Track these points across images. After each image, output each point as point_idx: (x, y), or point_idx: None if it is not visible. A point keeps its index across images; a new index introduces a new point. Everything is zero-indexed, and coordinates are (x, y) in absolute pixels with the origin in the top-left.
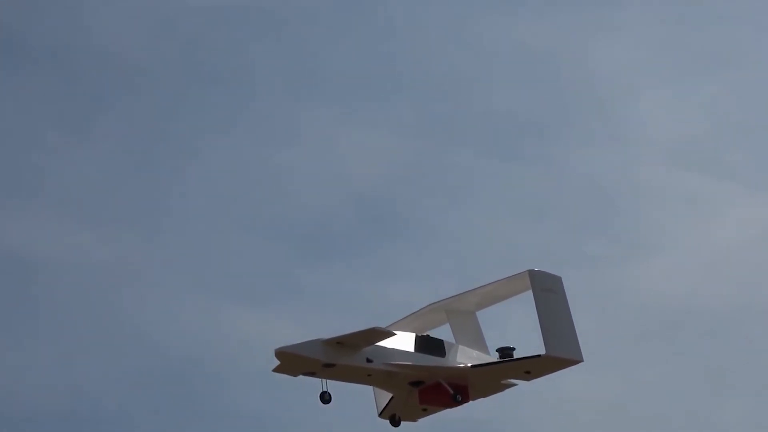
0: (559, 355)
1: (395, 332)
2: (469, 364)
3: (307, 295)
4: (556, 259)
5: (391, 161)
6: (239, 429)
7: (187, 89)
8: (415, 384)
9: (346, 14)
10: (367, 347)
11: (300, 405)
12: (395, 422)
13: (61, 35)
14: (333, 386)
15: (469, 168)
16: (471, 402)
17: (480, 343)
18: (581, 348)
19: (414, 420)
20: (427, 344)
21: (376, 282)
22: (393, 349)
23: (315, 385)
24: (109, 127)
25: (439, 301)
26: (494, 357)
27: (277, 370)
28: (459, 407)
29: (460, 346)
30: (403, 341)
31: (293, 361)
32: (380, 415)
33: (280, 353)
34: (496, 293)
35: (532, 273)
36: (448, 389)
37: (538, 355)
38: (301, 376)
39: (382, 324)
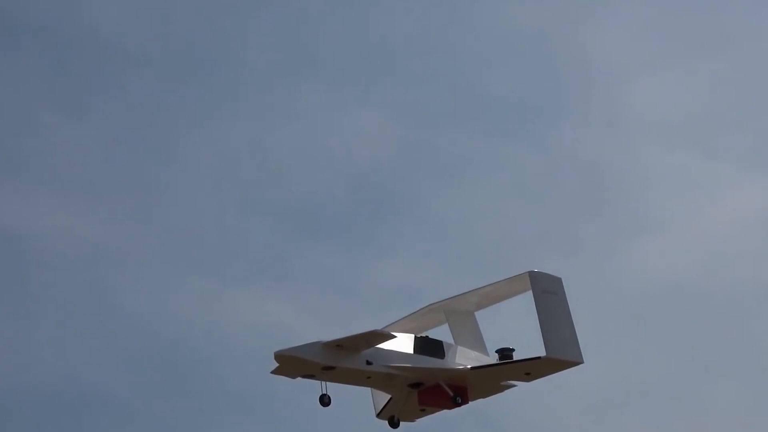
0: (559, 356)
1: (395, 334)
2: (469, 366)
3: (302, 276)
4: (550, 240)
5: (387, 142)
6: (233, 409)
7: (181, 70)
8: (414, 386)
9: None
10: (367, 350)
11: (295, 385)
12: (394, 424)
13: (54, 16)
14: (331, 384)
15: (464, 150)
16: (470, 403)
17: (479, 344)
18: (581, 349)
19: (412, 420)
20: (426, 346)
21: (371, 263)
22: (392, 351)
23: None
24: (103, 107)
25: (438, 302)
26: (493, 358)
27: (276, 372)
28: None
29: (459, 347)
30: (402, 343)
31: (293, 363)
32: (378, 415)
33: (279, 356)
34: (495, 294)
35: (532, 274)
36: (447, 391)
37: (538, 357)
38: (299, 378)
39: (381, 322)
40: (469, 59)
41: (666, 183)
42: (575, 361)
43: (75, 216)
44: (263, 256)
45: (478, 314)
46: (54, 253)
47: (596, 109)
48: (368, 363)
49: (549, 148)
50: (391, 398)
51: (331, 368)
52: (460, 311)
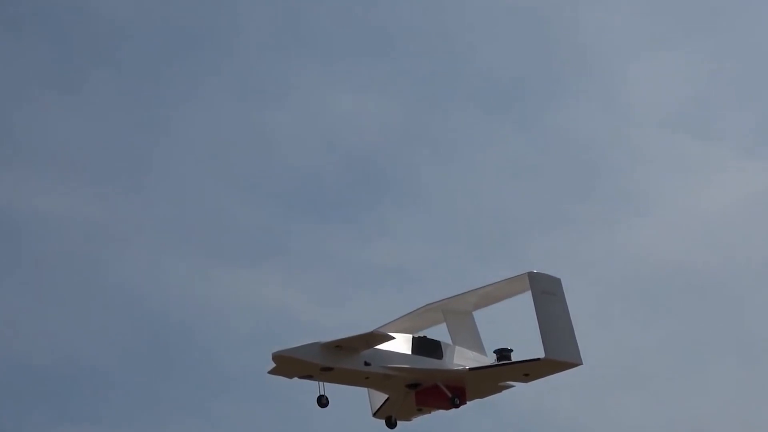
0: (558, 358)
1: (393, 336)
2: (467, 367)
3: (295, 255)
4: (542, 220)
5: (380, 121)
6: (225, 388)
7: (175, 47)
8: (412, 386)
9: None
10: (365, 350)
11: None
12: (391, 424)
13: None
14: (328, 384)
15: (457, 129)
16: (468, 403)
17: (477, 344)
18: (580, 351)
19: (408, 419)
20: (424, 346)
21: (365, 241)
22: (390, 352)
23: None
24: (97, 85)
25: (435, 302)
26: (491, 358)
27: (273, 372)
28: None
29: (457, 347)
30: (400, 343)
31: (291, 364)
32: (375, 414)
33: (277, 357)
34: (494, 294)
35: (531, 275)
36: (446, 392)
37: (537, 359)
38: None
39: (379, 320)
40: (464, 38)
41: (659, 164)
42: (574, 363)
43: (67, 193)
44: (256, 235)
45: (476, 313)
46: (46, 231)
47: (590, 90)
48: (366, 364)
49: (542, 127)
50: (388, 398)
51: (330, 369)
52: (458, 311)
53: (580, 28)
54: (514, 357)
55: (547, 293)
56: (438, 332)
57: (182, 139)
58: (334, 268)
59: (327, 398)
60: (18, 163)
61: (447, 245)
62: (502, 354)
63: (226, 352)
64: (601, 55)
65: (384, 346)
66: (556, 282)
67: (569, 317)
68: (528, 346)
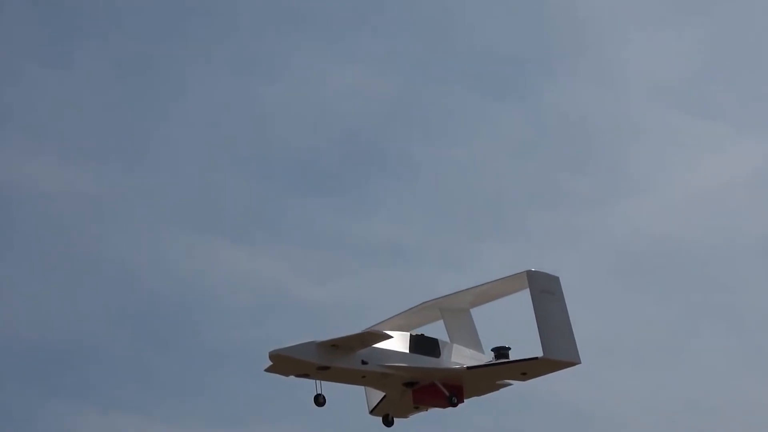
0: (556, 357)
1: (391, 334)
2: (465, 365)
3: (289, 231)
4: (536, 196)
5: (376, 98)
6: (219, 363)
7: (169, 22)
8: (409, 384)
9: None
10: (362, 349)
11: (284, 336)
12: (388, 422)
13: None
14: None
15: (453, 105)
16: (465, 401)
17: (474, 341)
18: (578, 350)
19: (405, 416)
20: (421, 344)
21: (358, 218)
22: (388, 351)
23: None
24: (91, 59)
25: (433, 299)
26: (489, 356)
27: (269, 370)
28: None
29: (455, 345)
30: (397, 342)
31: (287, 363)
32: (371, 412)
33: (274, 356)
34: (492, 292)
35: (530, 273)
36: (443, 391)
37: (535, 358)
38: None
39: (376, 318)
40: (459, 14)
41: (655, 141)
42: (572, 362)
43: (61, 168)
44: (249, 210)
45: (474, 310)
46: (40, 205)
47: (586, 67)
48: (363, 363)
49: (538, 104)
50: (384, 396)
51: (326, 368)
52: (456, 308)
53: (577, 6)
54: (512, 355)
55: (545, 292)
56: (435, 329)
57: (177, 115)
58: (327, 244)
59: (324, 397)
60: (12, 139)
61: (440, 222)
62: (500, 352)
63: (219, 327)
64: (598, 33)
65: (381, 345)
66: (554, 280)
67: (567, 316)
68: (526, 344)
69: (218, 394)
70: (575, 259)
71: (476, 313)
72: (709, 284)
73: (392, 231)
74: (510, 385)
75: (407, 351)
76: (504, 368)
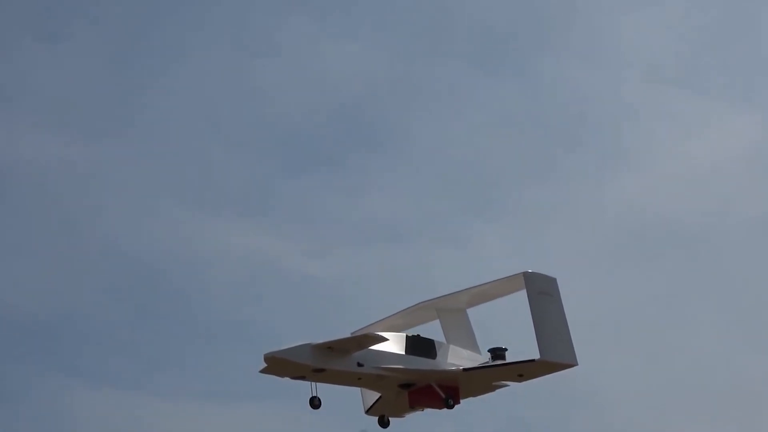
0: (553, 359)
1: (387, 337)
2: (461, 367)
3: (282, 206)
4: (531, 172)
5: (371, 74)
6: (212, 336)
7: None
8: (405, 385)
9: None
10: (358, 351)
11: (270, 314)
12: (384, 423)
13: None
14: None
15: (448, 81)
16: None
17: (471, 341)
18: (575, 352)
19: (401, 416)
20: (417, 345)
21: (356, 194)
22: (383, 352)
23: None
24: (86, 33)
25: (429, 300)
26: (485, 356)
27: (264, 371)
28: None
29: (451, 346)
30: (393, 343)
31: (282, 365)
32: (367, 412)
33: (269, 358)
34: (488, 293)
35: (527, 275)
36: (439, 393)
37: (532, 360)
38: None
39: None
40: None
41: (649, 117)
42: (569, 364)
43: (54, 142)
44: (244, 185)
45: (470, 309)
46: (32, 179)
47: (580, 43)
48: (359, 365)
49: (532, 80)
50: (380, 396)
51: (322, 370)
52: (452, 309)
53: None
54: (509, 355)
55: (542, 293)
56: (432, 329)
57: (171, 90)
58: (321, 219)
59: (319, 399)
60: (4, 111)
61: (435, 197)
62: (497, 353)
63: (211, 301)
64: (592, 9)
65: (377, 347)
66: (551, 281)
67: (565, 317)
68: (522, 344)
69: (209, 368)
70: (568, 235)
71: (473, 311)
72: (702, 260)
73: (387, 207)
74: (507, 386)
75: (403, 352)
76: (500, 370)
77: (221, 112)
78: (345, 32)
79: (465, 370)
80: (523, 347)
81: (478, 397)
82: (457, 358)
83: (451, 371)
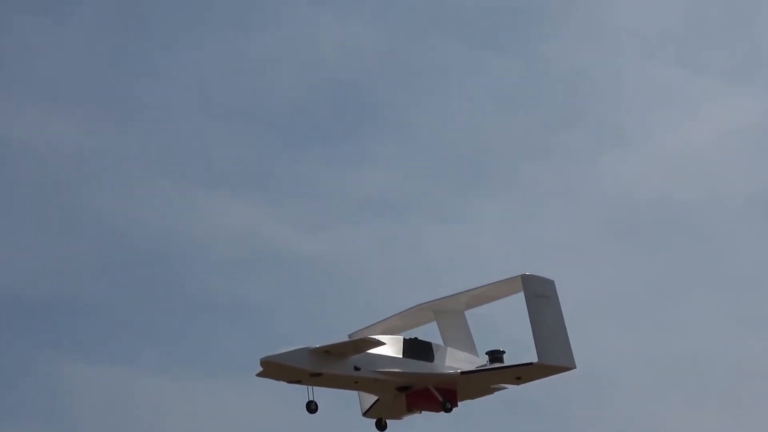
0: (551, 363)
1: (384, 341)
2: (459, 370)
3: (283, 183)
4: (527, 150)
5: (365, 51)
6: (209, 313)
7: None
8: (403, 388)
9: None
10: (355, 355)
11: (273, 288)
12: (381, 426)
13: None
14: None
15: (444, 58)
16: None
17: (468, 343)
18: (573, 355)
19: (399, 418)
20: (415, 348)
21: (352, 170)
22: (381, 356)
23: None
24: (83, 12)
25: (427, 302)
26: (483, 358)
27: (261, 375)
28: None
29: (449, 349)
30: (390, 346)
31: (279, 369)
32: (365, 414)
33: (265, 363)
34: (486, 295)
35: (524, 278)
36: (437, 396)
37: (530, 363)
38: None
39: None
40: None
41: (646, 96)
42: (567, 367)
43: (49, 120)
44: (239, 162)
45: (468, 312)
46: (26, 158)
47: (580, 21)
48: (356, 369)
49: (528, 58)
50: (378, 399)
51: (319, 374)
52: (450, 311)
53: None
54: (507, 357)
55: (540, 296)
56: (429, 331)
57: (167, 67)
58: (316, 196)
59: (316, 404)
60: (1, 91)
61: (431, 174)
62: (494, 356)
63: (206, 278)
64: None
65: (374, 350)
66: (549, 284)
67: (563, 320)
68: (520, 344)
69: (204, 344)
70: (564, 213)
71: (470, 315)
72: (698, 240)
73: (383, 183)
74: (504, 388)
75: (400, 356)
76: (498, 373)
77: (218, 88)
78: (344, 9)
79: (463, 373)
80: (522, 348)
81: (476, 399)
82: (454, 360)
83: (449, 374)
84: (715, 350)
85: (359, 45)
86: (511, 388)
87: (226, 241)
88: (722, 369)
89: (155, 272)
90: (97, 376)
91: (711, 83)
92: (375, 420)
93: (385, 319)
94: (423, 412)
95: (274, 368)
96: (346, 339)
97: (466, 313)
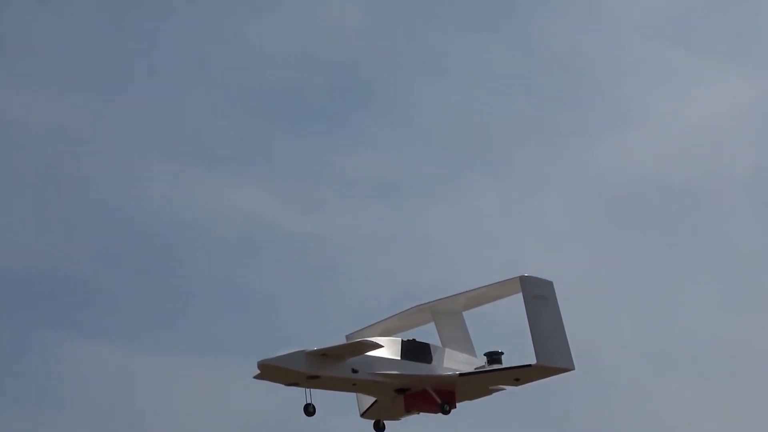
0: (550, 364)
1: (382, 344)
2: (457, 372)
3: (277, 164)
4: (526, 131)
5: (366, 32)
6: (207, 293)
7: None
8: (401, 390)
9: None
10: (352, 357)
11: (272, 269)
12: (380, 428)
13: None
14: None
15: (441, 41)
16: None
17: (466, 344)
18: (572, 356)
19: (397, 419)
20: (413, 350)
21: (348, 152)
22: (378, 358)
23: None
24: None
25: (425, 303)
26: (481, 359)
27: (258, 378)
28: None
29: (447, 350)
30: (388, 348)
31: (276, 372)
32: (362, 415)
33: (262, 366)
34: (484, 296)
35: (523, 279)
36: (435, 398)
37: (529, 365)
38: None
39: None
40: None
41: (644, 76)
42: (566, 368)
43: (44, 98)
44: (238, 143)
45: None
46: (23, 136)
47: (575, 2)
48: (354, 371)
49: (528, 40)
50: (376, 400)
51: (316, 377)
52: (448, 312)
53: None
54: (505, 358)
55: (538, 297)
56: (427, 332)
57: (165, 46)
58: (315, 177)
59: (314, 406)
60: None
61: (427, 155)
62: (493, 357)
63: (204, 259)
64: None
65: (372, 352)
66: (547, 285)
67: (561, 321)
68: (519, 345)
69: (202, 325)
70: (562, 194)
71: (468, 316)
72: (696, 220)
73: (380, 164)
74: (503, 390)
75: (398, 357)
76: (497, 375)
77: (215, 70)
78: None
79: (461, 375)
80: (520, 349)
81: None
82: (453, 362)
83: (447, 376)
84: (714, 330)
85: (357, 26)
86: (510, 389)
87: (225, 222)
88: (721, 349)
89: (153, 251)
90: (95, 356)
91: (708, 63)
92: (373, 421)
93: (382, 320)
94: (421, 413)
95: (272, 371)
96: (344, 337)
97: (465, 313)
